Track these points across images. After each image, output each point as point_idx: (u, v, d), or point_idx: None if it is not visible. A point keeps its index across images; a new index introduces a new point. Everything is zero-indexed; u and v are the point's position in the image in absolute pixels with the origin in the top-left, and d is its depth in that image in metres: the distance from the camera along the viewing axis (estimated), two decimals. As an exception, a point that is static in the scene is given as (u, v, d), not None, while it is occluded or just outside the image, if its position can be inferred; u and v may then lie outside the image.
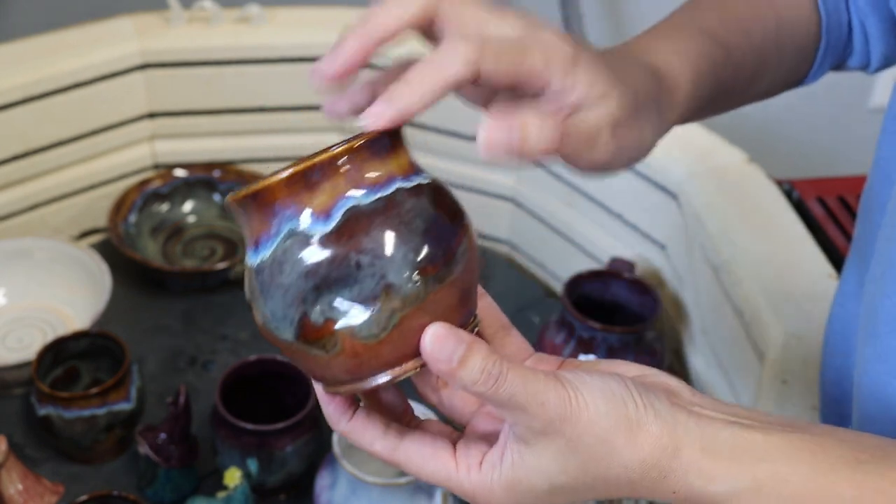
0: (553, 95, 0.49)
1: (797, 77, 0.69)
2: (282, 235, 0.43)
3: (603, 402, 0.45)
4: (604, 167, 0.54)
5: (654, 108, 0.55)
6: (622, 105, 0.51)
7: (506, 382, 0.43)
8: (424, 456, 0.48)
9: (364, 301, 0.43)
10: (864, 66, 0.71)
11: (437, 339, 0.43)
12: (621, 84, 0.51)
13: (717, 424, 0.46)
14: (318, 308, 0.43)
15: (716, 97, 0.63)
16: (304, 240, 0.43)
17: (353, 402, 0.49)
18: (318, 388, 0.48)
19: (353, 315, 0.43)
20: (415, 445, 0.48)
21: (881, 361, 0.58)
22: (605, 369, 0.48)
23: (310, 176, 0.43)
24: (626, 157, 0.54)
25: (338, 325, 0.43)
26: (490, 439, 0.48)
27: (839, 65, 0.71)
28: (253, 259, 0.45)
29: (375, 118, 0.44)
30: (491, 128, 0.45)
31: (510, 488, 0.46)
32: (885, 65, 0.70)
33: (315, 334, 0.44)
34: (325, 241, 0.43)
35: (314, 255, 0.43)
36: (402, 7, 0.48)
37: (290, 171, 0.42)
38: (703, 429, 0.46)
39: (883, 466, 0.45)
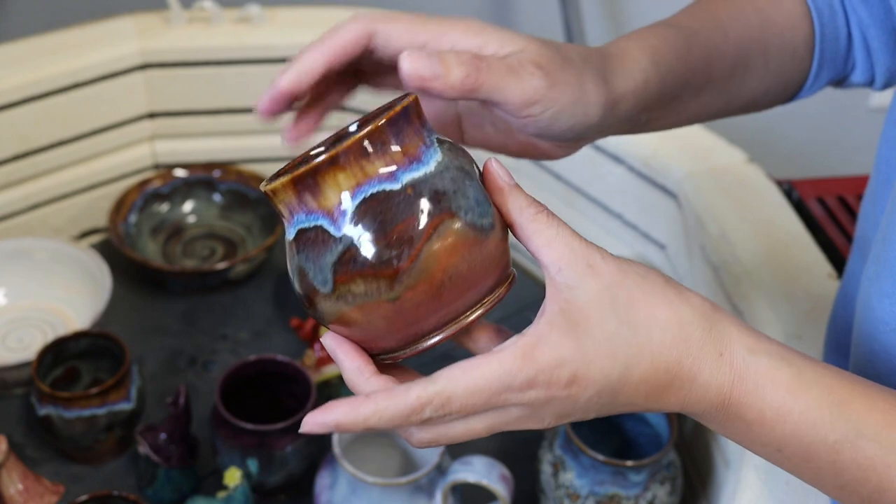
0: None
1: (792, 86, 0.69)
2: (434, 141, 0.49)
3: (643, 266, 0.48)
4: (543, 117, 0.54)
5: (590, 67, 0.55)
6: (542, 53, 0.53)
7: (554, 218, 0.47)
8: (463, 368, 0.46)
9: None
10: (870, 82, 0.70)
11: (495, 164, 0.48)
12: (538, 40, 0.54)
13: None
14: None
15: (690, 80, 0.62)
16: (441, 142, 0.49)
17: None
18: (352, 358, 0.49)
19: None
20: (448, 370, 0.46)
21: (879, 361, 0.58)
22: None
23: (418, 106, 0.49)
24: (571, 116, 0.54)
25: None
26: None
27: (842, 80, 0.70)
28: (425, 167, 0.47)
29: None
30: (414, 58, 0.48)
31: (572, 323, 0.45)
32: (891, 80, 0.69)
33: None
34: (438, 142, 0.49)
35: (453, 153, 0.49)
36: (335, 36, 0.53)
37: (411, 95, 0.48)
38: (739, 320, 0.48)
39: None
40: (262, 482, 0.95)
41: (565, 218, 1.35)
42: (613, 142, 1.10)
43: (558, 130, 0.54)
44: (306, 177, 0.46)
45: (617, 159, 1.11)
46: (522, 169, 1.20)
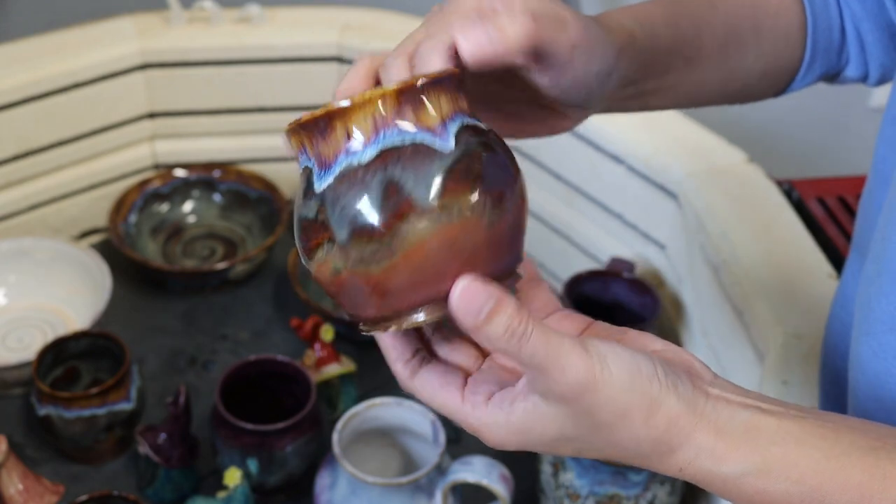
0: None
1: (786, 74, 0.69)
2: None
3: (628, 378, 0.45)
4: (580, 62, 0.53)
5: (588, 19, 0.56)
6: (559, 4, 0.53)
7: (529, 342, 0.43)
8: (434, 387, 0.48)
9: None
10: (864, 78, 0.70)
11: (466, 293, 0.43)
12: None
13: (733, 407, 0.47)
14: None
15: (680, 47, 0.63)
16: None
17: None
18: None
19: None
20: (428, 375, 0.49)
21: (877, 360, 0.58)
22: (630, 340, 0.49)
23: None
24: (599, 57, 0.54)
25: None
26: (505, 376, 0.49)
27: (836, 74, 0.70)
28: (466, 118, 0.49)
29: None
30: (468, 35, 0.48)
31: (519, 432, 0.47)
32: (885, 76, 0.69)
33: None
34: None
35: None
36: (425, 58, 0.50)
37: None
38: (720, 412, 0.47)
39: (895, 453, 0.45)
40: (262, 482, 0.95)
41: (565, 218, 1.35)
42: (613, 142, 1.10)
43: (587, 78, 0.54)
44: (427, 86, 0.46)
45: (617, 159, 1.11)
46: (522, 170, 1.20)
